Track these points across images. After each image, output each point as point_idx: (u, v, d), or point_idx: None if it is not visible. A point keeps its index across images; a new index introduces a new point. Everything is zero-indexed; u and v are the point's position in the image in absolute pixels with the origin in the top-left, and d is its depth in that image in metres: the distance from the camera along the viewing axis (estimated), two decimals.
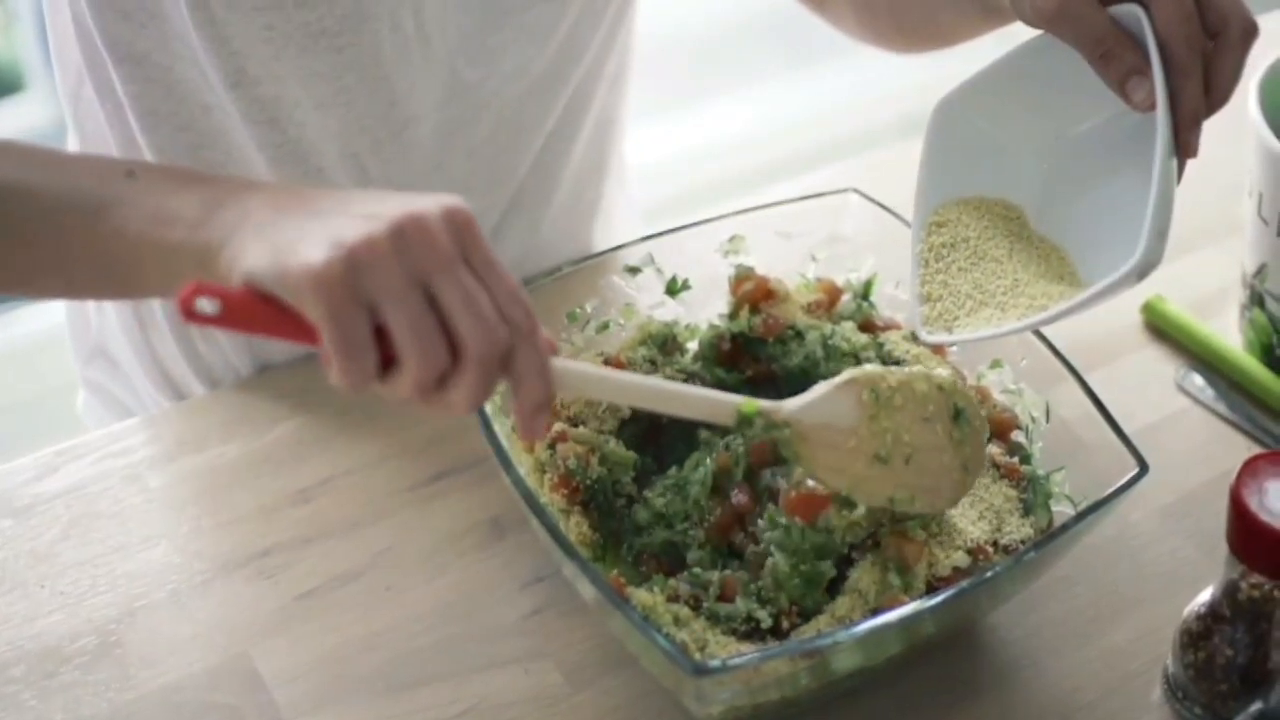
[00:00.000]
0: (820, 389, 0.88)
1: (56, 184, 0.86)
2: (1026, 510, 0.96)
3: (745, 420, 0.86)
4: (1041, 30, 0.92)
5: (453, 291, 0.74)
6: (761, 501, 0.96)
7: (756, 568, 0.93)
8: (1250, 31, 0.88)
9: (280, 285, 0.73)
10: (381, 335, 0.73)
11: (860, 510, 0.90)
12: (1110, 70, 0.88)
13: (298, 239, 0.74)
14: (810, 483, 0.91)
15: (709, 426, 0.99)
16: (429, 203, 0.75)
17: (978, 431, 0.92)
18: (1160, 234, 0.85)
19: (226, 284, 0.75)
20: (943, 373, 0.93)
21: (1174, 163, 0.86)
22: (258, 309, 0.73)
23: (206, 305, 0.72)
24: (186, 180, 0.84)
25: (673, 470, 0.99)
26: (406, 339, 0.73)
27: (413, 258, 0.73)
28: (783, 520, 0.91)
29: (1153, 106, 0.86)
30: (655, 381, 0.88)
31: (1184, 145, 0.87)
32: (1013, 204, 0.98)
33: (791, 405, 0.87)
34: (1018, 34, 0.95)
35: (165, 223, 0.81)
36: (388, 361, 0.74)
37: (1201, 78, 0.87)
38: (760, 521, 0.93)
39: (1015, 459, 0.99)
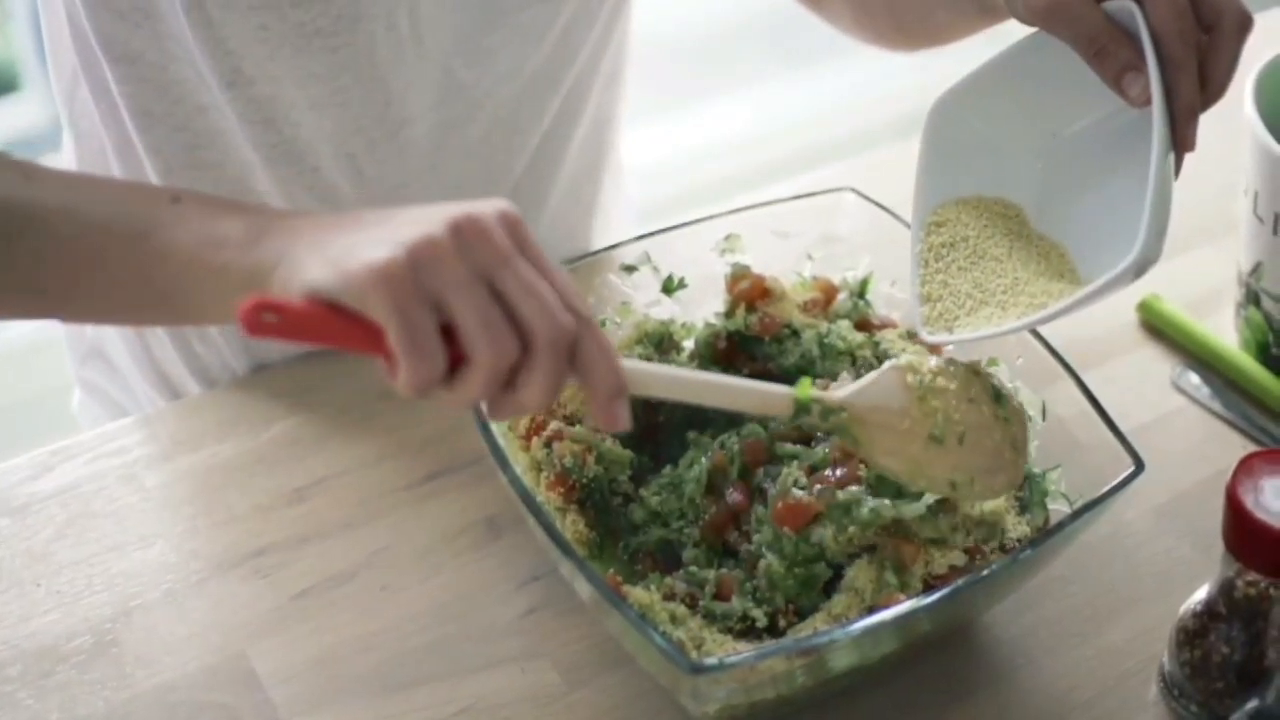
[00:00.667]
0: (867, 376, 0.90)
1: (102, 207, 0.86)
2: (1023, 509, 0.96)
3: (803, 408, 0.86)
4: (1036, 28, 0.92)
5: (515, 282, 0.74)
6: (756, 499, 0.95)
7: (752, 566, 0.93)
8: (1245, 24, 0.88)
9: (343, 289, 0.72)
10: (446, 339, 0.73)
11: (852, 529, 0.90)
12: (1105, 66, 0.88)
13: (354, 246, 0.74)
14: (798, 493, 0.91)
15: (760, 422, 0.98)
16: (479, 204, 0.75)
17: (1018, 411, 0.93)
18: (1158, 230, 0.85)
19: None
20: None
21: (1171, 158, 0.87)
22: (321, 318, 0.73)
23: (271, 317, 0.71)
24: (230, 207, 0.85)
25: (668, 469, 0.99)
26: (476, 330, 0.72)
27: (473, 253, 0.73)
28: (773, 529, 0.91)
29: (1148, 102, 0.86)
30: (710, 375, 0.89)
31: (1181, 140, 0.87)
32: (1011, 202, 0.98)
33: (843, 390, 0.88)
34: (1013, 32, 0.95)
35: (213, 245, 0.81)
36: (453, 365, 0.74)
37: (1196, 72, 0.87)
38: (755, 520, 0.94)
39: None
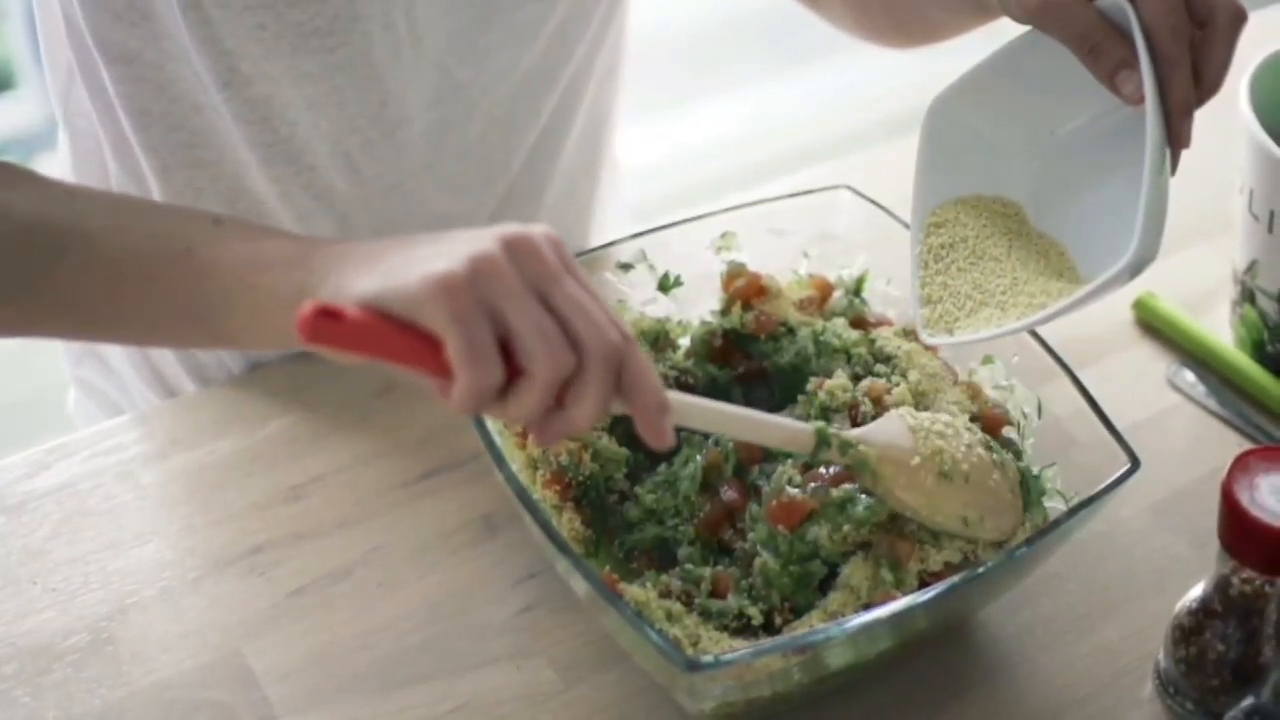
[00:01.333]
0: (874, 422, 0.93)
1: (144, 225, 0.87)
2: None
3: (824, 441, 0.89)
4: (1029, 26, 0.92)
5: (566, 298, 0.74)
6: (751, 497, 0.96)
7: (747, 564, 0.93)
8: (1238, 19, 0.88)
9: (401, 299, 0.72)
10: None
11: (847, 527, 0.90)
12: (1098, 64, 0.88)
13: (409, 261, 0.74)
14: (792, 491, 0.91)
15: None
16: (527, 226, 0.76)
17: (1009, 461, 0.95)
18: (1153, 229, 0.85)
19: None
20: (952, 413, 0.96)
21: (1166, 156, 0.86)
22: (378, 327, 0.72)
23: (328, 325, 0.71)
24: (273, 232, 0.86)
25: (663, 467, 0.99)
26: (534, 341, 0.72)
27: (526, 268, 0.74)
28: (768, 527, 0.91)
29: (1143, 99, 0.86)
30: (738, 410, 0.89)
31: (1176, 137, 0.87)
32: (1011, 201, 0.98)
33: (855, 431, 0.92)
34: (1010, 28, 0.95)
35: (258, 265, 0.81)
36: (507, 381, 0.74)
37: (1190, 68, 0.86)
38: (749, 518, 0.94)
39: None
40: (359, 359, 0.73)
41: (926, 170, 0.98)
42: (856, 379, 1.01)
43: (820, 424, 0.91)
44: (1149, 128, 0.85)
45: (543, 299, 0.74)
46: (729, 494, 0.96)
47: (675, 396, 0.80)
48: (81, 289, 0.87)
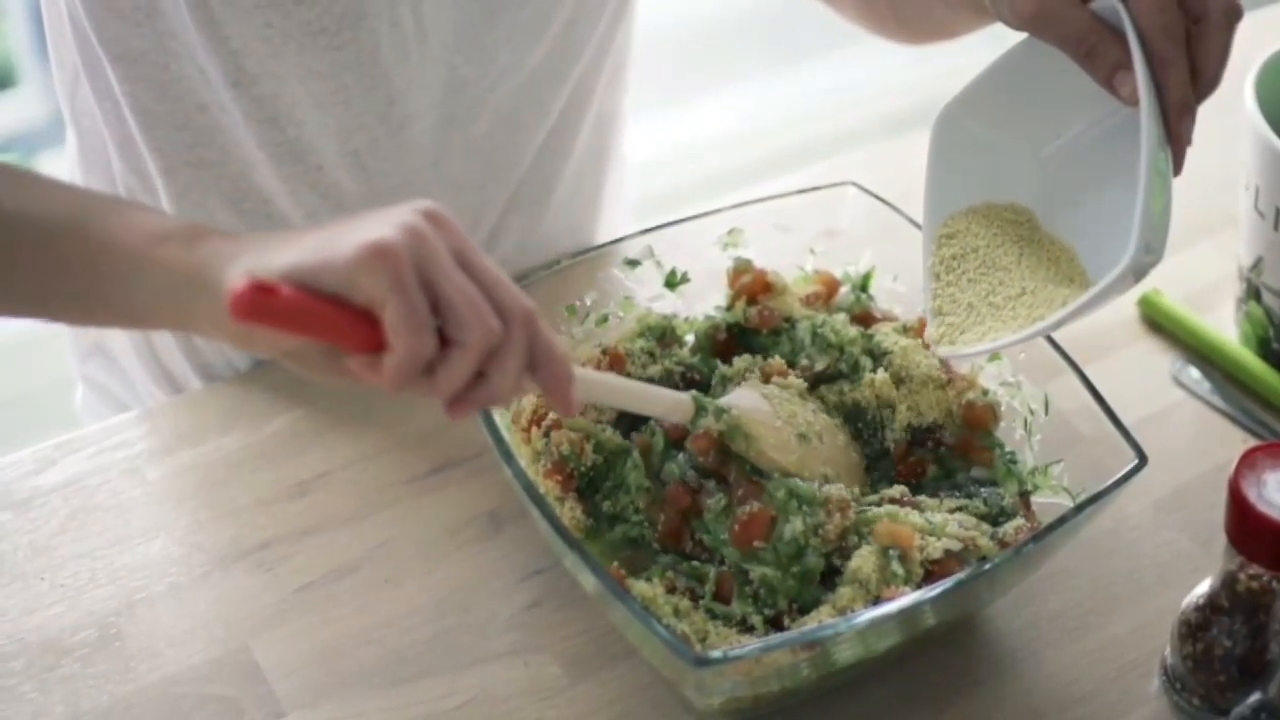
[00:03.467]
0: (731, 393, 0.97)
1: (46, 194, 0.85)
2: (994, 523, 0.96)
3: (701, 408, 0.94)
4: (1025, 33, 0.92)
5: (484, 269, 0.75)
6: (702, 495, 0.95)
7: (722, 562, 0.93)
8: (1233, 14, 0.88)
9: (336, 269, 0.72)
10: None
11: (813, 518, 0.91)
12: (1096, 67, 0.88)
13: (333, 236, 0.73)
14: (745, 509, 0.91)
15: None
16: (432, 203, 0.76)
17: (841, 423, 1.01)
18: (1152, 229, 0.84)
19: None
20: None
21: (1165, 155, 0.86)
22: (312, 302, 0.71)
23: (261, 299, 0.70)
24: (169, 214, 0.85)
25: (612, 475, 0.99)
26: (467, 309, 0.73)
27: (448, 240, 0.74)
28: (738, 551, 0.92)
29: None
30: (620, 380, 0.93)
31: (1175, 135, 0.86)
32: (1022, 207, 0.98)
33: (724, 399, 0.96)
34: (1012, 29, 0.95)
35: (154, 239, 0.80)
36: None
37: (1186, 66, 0.86)
38: (707, 535, 0.94)
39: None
40: (279, 337, 0.72)
41: (937, 181, 0.97)
42: (839, 375, 1.01)
43: (695, 393, 0.95)
44: (1143, 128, 0.85)
45: (464, 269, 0.74)
46: (677, 497, 0.95)
47: (575, 370, 0.81)
48: None
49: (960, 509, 0.95)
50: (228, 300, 0.70)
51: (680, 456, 0.96)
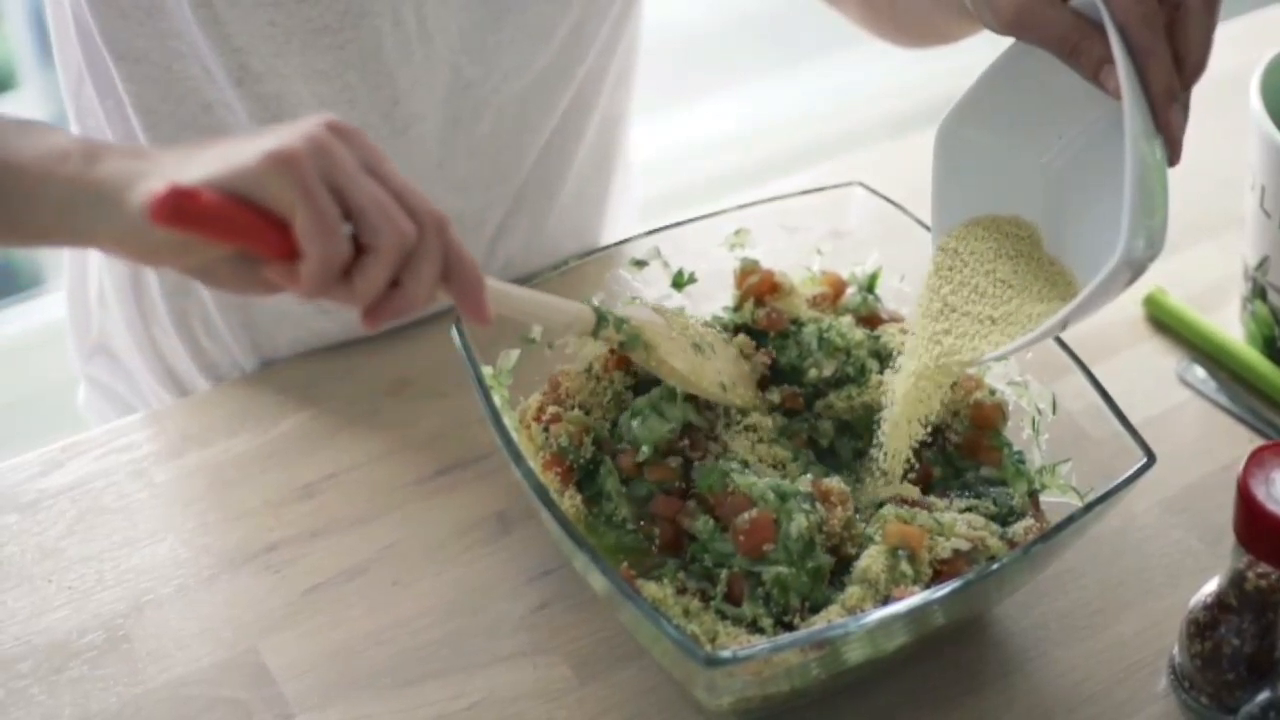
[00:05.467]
0: (629, 307, 1.01)
1: None
2: (1003, 523, 0.96)
3: (602, 319, 0.96)
4: (1008, 36, 0.92)
5: (393, 175, 0.76)
6: (683, 516, 0.96)
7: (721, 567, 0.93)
8: None
9: (244, 177, 0.73)
10: None
11: (810, 513, 0.91)
12: (1081, 64, 0.88)
13: (238, 147, 0.74)
14: (745, 517, 0.91)
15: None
16: (331, 115, 0.77)
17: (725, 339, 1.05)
18: (1146, 223, 0.83)
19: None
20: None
21: (1156, 145, 0.85)
22: (229, 207, 0.72)
23: (183, 203, 0.71)
24: (63, 132, 0.83)
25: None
26: (376, 213, 0.74)
27: (354, 149, 0.76)
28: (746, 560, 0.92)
29: None
30: (521, 290, 0.93)
31: (1164, 124, 0.86)
32: (1025, 222, 0.97)
33: (620, 311, 0.98)
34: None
35: (55, 158, 0.79)
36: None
37: (1167, 54, 0.85)
38: (707, 554, 0.94)
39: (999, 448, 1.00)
40: (189, 249, 0.73)
41: (941, 193, 0.97)
42: (845, 380, 1.01)
43: (596, 304, 0.97)
44: (1126, 119, 0.84)
45: (373, 175, 0.76)
46: (663, 507, 0.96)
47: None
48: None
49: (970, 509, 0.95)
50: (149, 204, 0.71)
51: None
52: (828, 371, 1.02)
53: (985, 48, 0.96)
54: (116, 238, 0.77)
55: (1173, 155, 0.87)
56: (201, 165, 0.74)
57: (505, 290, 0.89)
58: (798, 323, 1.04)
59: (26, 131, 0.82)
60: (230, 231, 0.73)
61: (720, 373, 1.00)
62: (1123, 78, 0.84)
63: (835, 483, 0.94)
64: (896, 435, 0.96)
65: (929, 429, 0.97)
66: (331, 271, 0.74)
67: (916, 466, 0.98)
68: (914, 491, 0.96)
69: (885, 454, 0.97)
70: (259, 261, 0.76)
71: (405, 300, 0.77)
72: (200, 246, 0.75)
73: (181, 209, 0.71)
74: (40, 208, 0.80)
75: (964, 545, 0.91)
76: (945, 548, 0.91)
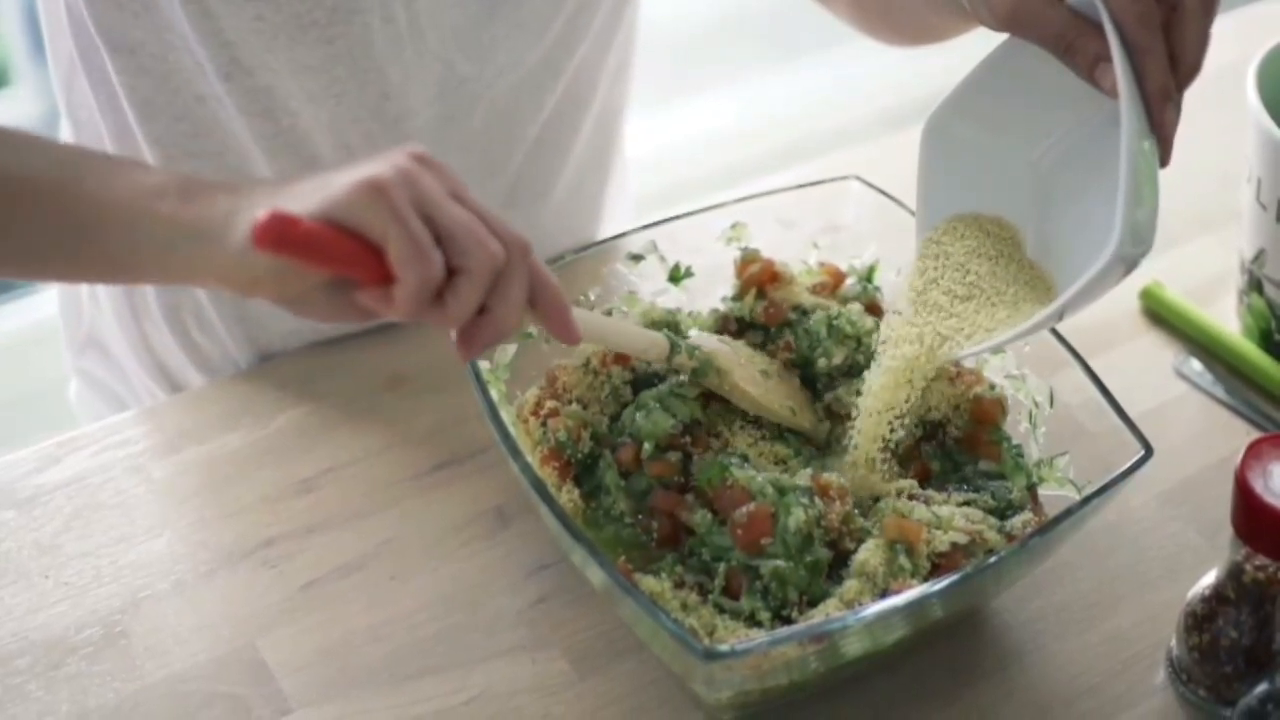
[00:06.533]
0: (693, 336, 1.02)
1: (39, 150, 0.84)
2: (1002, 516, 0.96)
3: (675, 347, 0.97)
4: (1005, 32, 0.92)
5: (478, 203, 0.79)
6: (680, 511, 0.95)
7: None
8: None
9: (339, 207, 0.75)
10: None
11: (811, 510, 0.91)
12: (1077, 61, 0.88)
13: (329, 181, 0.77)
14: (743, 511, 0.91)
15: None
16: (413, 146, 0.79)
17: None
18: (1138, 219, 0.84)
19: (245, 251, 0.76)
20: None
21: (1151, 144, 0.86)
22: (328, 234, 0.74)
23: (285, 229, 0.73)
24: (163, 170, 0.85)
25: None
26: (466, 236, 0.76)
27: (439, 177, 0.78)
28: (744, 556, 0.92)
29: None
30: (600, 318, 0.96)
31: (1159, 123, 0.86)
32: (1008, 224, 0.98)
33: (690, 340, 1.00)
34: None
35: (151, 194, 0.80)
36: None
37: (1164, 53, 0.86)
38: (705, 549, 0.94)
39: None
40: (289, 278, 0.75)
41: (927, 188, 0.97)
42: (855, 369, 1.01)
43: (668, 332, 0.98)
44: (1123, 116, 0.84)
45: (458, 201, 0.78)
46: (662, 502, 0.95)
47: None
48: None
49: (968, 503, 0.95)
50: (252, 230, 0.73)
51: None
52: (838, 360, 1.02)
53: (981, 44, 0.96)
54: (219, 272, 0.79)
55: (1164, 155, 0.87)
56: (296, 198, 0.77)
57: (581, 316, 0.90)
58: (802, 310, 1.04)
59: (117, 168, 0.83)
60: (329, 257, 0.75)
61: (788, 397, 1.01)
62: (1120, 76, 0.84)
63: (834, 477, 0.93)
64: (870, 425, 0.97)
65: (904, 420, 0.97)
66: (425, 294, 0.76)
67: (890, 458, 0.98)
68: (911, 485, 0.96)
69: (855, 444, 0.97)
70: (352, 288, 0.78)
71: (495, 325, 0.79)
72: (298, 276, 0.77)
73: (284, 235, 0.73)
74: (140, 246, 0.81)
75: (961, 539, 0.91)
76: (943, 541, 0.91)
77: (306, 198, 0.76)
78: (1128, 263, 0.85)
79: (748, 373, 0.99)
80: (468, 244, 0.76)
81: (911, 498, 0.95)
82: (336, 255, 0.75)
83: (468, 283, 0.77)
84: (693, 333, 1.02)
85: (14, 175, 0.83)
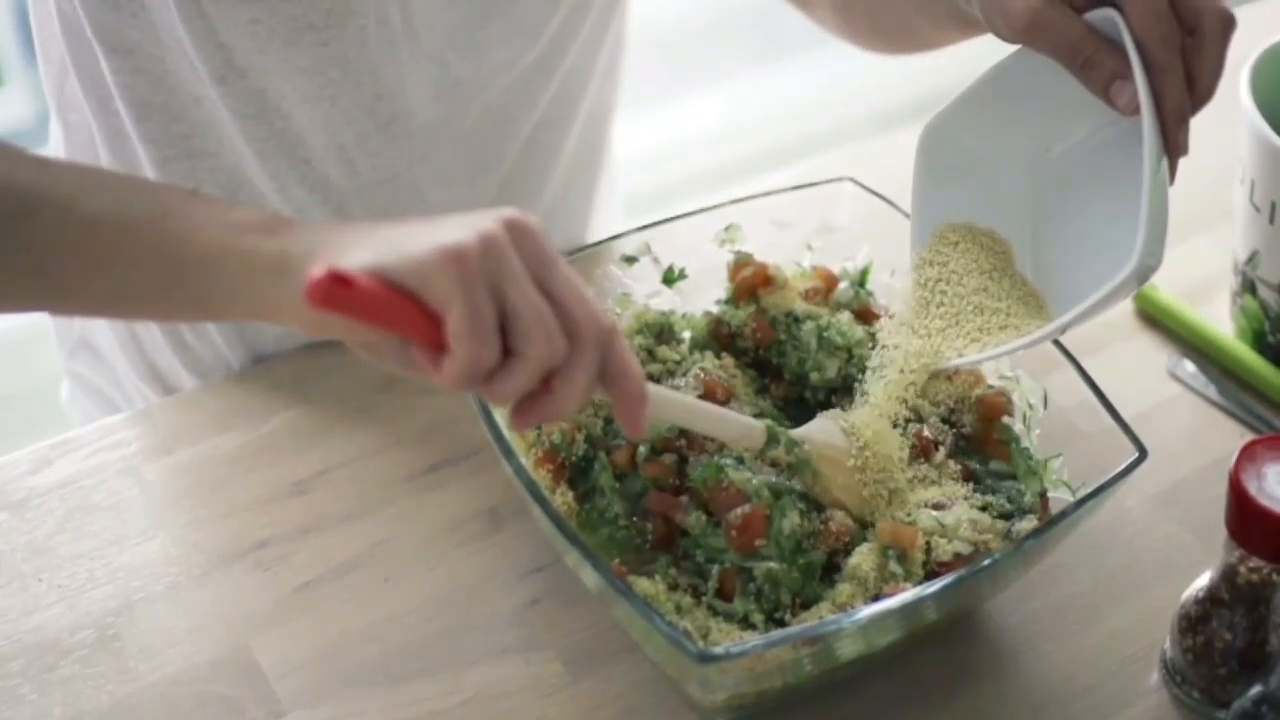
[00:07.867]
0: (810, 423, 0.95)
1: (119, 191, 0.84)
2: (1007, 519, 0.96)
3: (773, 438, 0.92)
4: (1018, 45, 0.92)
5: (562, 282, 0.75)
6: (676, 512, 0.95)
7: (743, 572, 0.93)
8: (1227, 23, 0.88)
9: (409, 268, 0.72)
10: None
11: (806, 519, 0.91)
12: (1092, 77, 0.88)
13: (411, 234, 0.74)
14: (738, 512, 0.91)
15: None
16: (522, 211, 0.76)
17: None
18: (1157, 236, 0.85)
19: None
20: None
21: (1164, 164, 0.87)
22: (385, 295, 0.72)
23: (337, 288, 0.70)
24: (245, 206, 0.85)
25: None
26: (532, 322, 0.73)
27: (526, 250, 0.74)
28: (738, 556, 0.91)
29: (1138, 110, 0.86)
30: (698, 402, 0.92)
31: (1172, 145, 0.87)
32: (1001, 238, 0.98)
33: (798, 430, 0.94)
34: (997, 41, 0.94)
35: (234, 230, 0.80)
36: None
37: (1183, 75, 0.86)
38: (699, 550, 0.94)
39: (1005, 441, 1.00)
40: (354, 327, 0.73)
41: (922, 195, 0.98)
42: (849, 382, 1.01)
43: (770, 422, 0.93)
44: (1145, 135, 0.85)
45: (539, 282, 0.74)
46: (657, 503, 0.95)
47: (650, 388, 0.81)
48: (51, 251, 0.84)
49: (984, 508, 0.95)
50: (304, 289, 0.71)
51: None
52: (830, 373, 1.01)
53: (975, 45, 0.96)
54: (293, 311, 0.77)
55: (1171, 176, 0.88)
56: (372, 248, 0.74)
57: (671, 399, 0.88)
58: (794, 318, 1.04)
59: (198, 204, 0.83)
60: (381, 319, 0.73)
61: (864, 485, 0.95)
62: (1142, 94, 0.85)
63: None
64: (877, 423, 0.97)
65: (911, 423, 0.97)
66: (476, 372, 0.73)
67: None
68: (956, 490, 0.96)
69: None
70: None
71: (553, 405, 0.76)
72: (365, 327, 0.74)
73: (334, 294, 0.70)
74: (218, 281, 0.80)
75: (965, 549, 0.91)
76: (947, 550, 0.91)
77: (382, 249, 0.74)
78: (1143, 278, 0.86)
79: (850, 480, 0.94)
80: (531, 330, 0.73)
81: (936, 507, 0.94)
82: (389, 318, 0.73)
83: (521, 367, 0.74)
84: (815, 421, 0.96)
85: (100, 216, 0.82)
